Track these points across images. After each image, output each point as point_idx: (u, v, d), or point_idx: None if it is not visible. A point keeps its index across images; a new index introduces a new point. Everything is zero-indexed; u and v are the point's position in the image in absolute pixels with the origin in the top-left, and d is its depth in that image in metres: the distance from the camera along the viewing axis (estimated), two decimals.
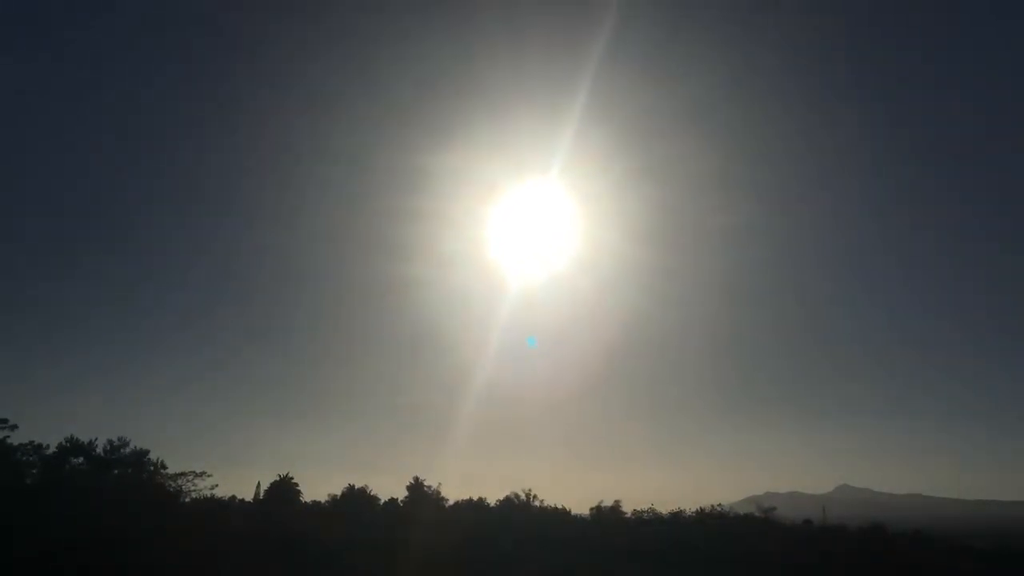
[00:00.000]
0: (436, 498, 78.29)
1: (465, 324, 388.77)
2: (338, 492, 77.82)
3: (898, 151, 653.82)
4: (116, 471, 57.33)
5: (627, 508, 77.63)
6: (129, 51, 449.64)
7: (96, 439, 57.32)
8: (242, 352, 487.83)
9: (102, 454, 57.11)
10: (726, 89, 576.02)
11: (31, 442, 54.62)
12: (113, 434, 58.35)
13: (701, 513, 75.58)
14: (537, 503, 79.01)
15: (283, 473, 78.00)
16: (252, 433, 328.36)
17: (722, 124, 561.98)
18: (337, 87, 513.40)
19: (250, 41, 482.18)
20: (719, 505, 77.71)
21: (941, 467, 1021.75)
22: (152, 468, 58.59)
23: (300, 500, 78.09)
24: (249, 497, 79.62)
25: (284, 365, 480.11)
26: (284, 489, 76.87)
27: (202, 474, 60.44)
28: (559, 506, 79.79)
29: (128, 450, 57.79)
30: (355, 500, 76.38)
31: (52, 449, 55.43)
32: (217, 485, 62.10)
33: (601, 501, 78.37)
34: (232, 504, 73.07)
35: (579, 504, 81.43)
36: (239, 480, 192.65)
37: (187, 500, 59.59)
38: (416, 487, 78.80)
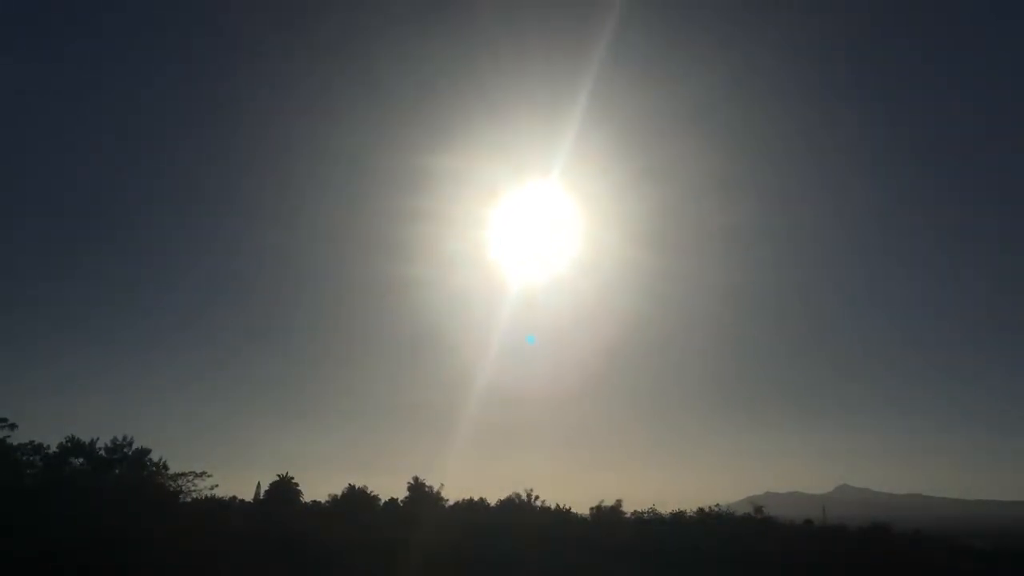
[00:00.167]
0: (436, 498, 78.25)
1: (466, 325, 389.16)
2: (338, 492, 77.90)
3: (898, 151, 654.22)
4: (117, 471, 57.35)
5: (628, 508, 77.58)
6: (129, 51, 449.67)
7: (97, 439, 57.38)
8: (242, 352, 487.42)
9: (104, 453, 57.14)
10: (727, 90, 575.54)
11: (31, 442, 54.57)
12: (113, 434, 58.35)
13: (701, 513, 75.54)
14: (537, 503, 79.11)
15: (283, 473, 78.23)
16: (252, 433, 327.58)
17: (723, 125, 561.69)
18: (338, 87, 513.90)
19: (250, 41, 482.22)
20: (718, 505, 77.75)
21: (941, 467, 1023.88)
22: (153, 468, 58.62)
23: (300, 500, 78.18)
24: (249, 497, 79.77)
25: (284, 365, 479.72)
26: (284, 489, 76.93)
27: (202, 474, 60.43)
28: (560, 506, 79.91)
29: (131, 449, 57.90)
30: (355, 500, 76.39)
31: (52, 449, 55.48)
32: (217, 485, 62.09)
33: (602, 501, 78.25)
34: (232, 504, 73.01)
35: (579, 504, 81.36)
36: (239, 480, 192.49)
37: (187, 500, 59.61)
38: (416, 487, 78.79)
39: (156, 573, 41.91)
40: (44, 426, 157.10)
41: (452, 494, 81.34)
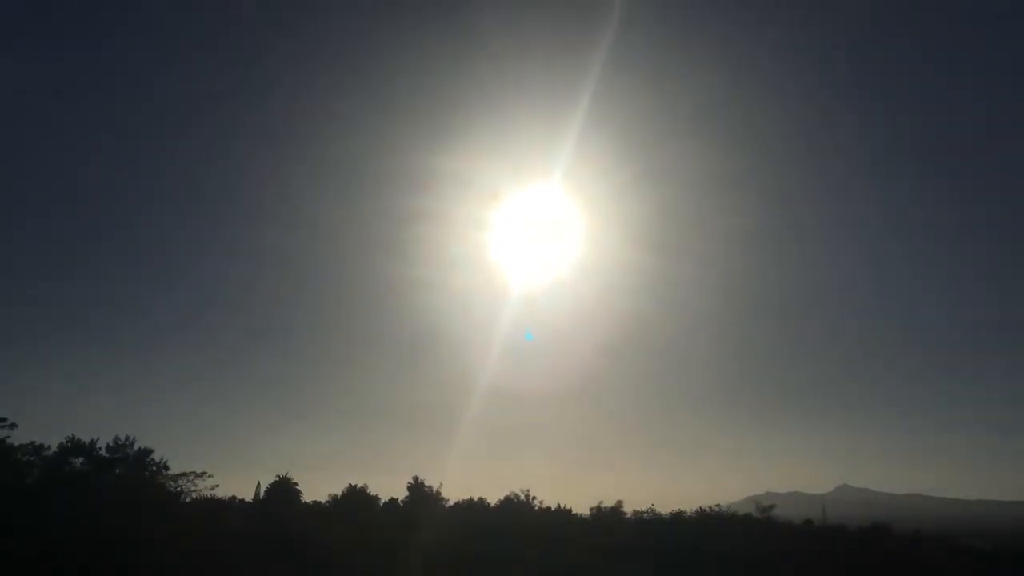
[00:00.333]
0: (436, 498, 78.24)
1: (466, 326, 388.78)
2: (338, 492, 77.78)
3: (898, 151, 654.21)
4: (117, 471, 57.38)
5: (627, 508, 77.57)
6: (129, 51, 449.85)
7: (97, 439, 57.48)
8: (242, 352, 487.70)
9: (106, 453, 57.18)
10: (727, 90, 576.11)
11: (31, 442, 54.70)
12: (113, 434, 58.53)
13: (701, 513, 75.51)
14: (537, 503, 79.10)
15: (283, 473, 78.10)
16: (252, 433, 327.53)
17: (723, 125, 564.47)
18: (340, 89, 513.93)
19: (251, 41, 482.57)
20: (718, 505, 77.73)
21: (941, 467, 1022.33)
22: (154, 468, 58.67)
23: (300, 500, 78.10)
24: (249, 497, 79.68)
25: (284, 365, 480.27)
26: (284, 489, 76.87)
27: (202, 474, 60.59)
28: (559, 506, 79.89)
29: (133, 449, 57.92)
30: (355, 500, 76.32)
31: (53, 449, 55.50)
32: (218, 485, 62.24)
33: (601, 501, 78.26)
34: (232, 504, 72.98)
35: (579, 504, 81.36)
36: (239, 480, 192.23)
37: (187, 500, 59.64)
38: (416, 487, 78.76)
39: (156, 573, 41.88)
40: (44, 426, 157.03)
41: (452, 494, 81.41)
